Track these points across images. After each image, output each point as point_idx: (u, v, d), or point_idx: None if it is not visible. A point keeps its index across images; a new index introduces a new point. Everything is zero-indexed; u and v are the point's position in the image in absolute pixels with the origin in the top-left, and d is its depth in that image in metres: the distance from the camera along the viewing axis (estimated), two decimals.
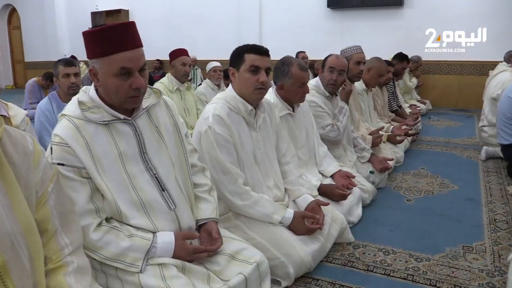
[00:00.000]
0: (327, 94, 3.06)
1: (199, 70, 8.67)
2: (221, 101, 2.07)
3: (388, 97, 4.91)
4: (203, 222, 1.73)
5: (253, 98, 2.07)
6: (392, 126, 4.28)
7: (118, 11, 11.13)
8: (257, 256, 1.69)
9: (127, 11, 11.22)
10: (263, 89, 2.04)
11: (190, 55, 4.11)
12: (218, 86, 4.83)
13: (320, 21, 8.89)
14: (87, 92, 1.56)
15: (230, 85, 2.15)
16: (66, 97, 3.06)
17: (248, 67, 2.00)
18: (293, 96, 2.52)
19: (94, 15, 11.72)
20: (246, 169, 2.08)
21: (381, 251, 2.30)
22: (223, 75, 4.96)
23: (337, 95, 3.16)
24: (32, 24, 13.23)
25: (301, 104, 2.65)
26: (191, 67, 4.48)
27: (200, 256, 1.60)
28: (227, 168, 1.97)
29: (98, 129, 1.50)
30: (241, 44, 2.09)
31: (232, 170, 1.98)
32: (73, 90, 3.03)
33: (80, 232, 1.37)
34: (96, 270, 1.51)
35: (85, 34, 1.49)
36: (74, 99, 1.56)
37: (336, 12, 8.76)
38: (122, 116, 1.52)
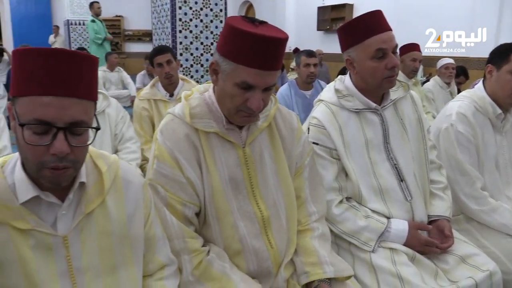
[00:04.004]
0: None
1: (420, 67, 8.25)
2: (467, 99, 1.99)
3: None
4: (434, 219, 1.72)
5: (508, 102, 1.92)
6: None
7: (343, 6, 11.45)
8: (491, 265, 1.60)
9: (351, 6, 11.45)
10: None
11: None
12: (448, 84, 4.54)
13: None
14: (343, 81, 1.73)
15: (480, 83, 2.04)
16: (303, 85, 3.40)
17: None
18: None
19: (320, 9, 12.37)
20: (486, 174, 1.95)
21: None
22: (455, 73, 4.64)
23: None
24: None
25: None
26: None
27: (431, 250, 1.61)
28: (465, 169, 1.89)
29: (350, 116, 1.65)
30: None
31: (470, 172, 1.89)
32: (311, 79, 3.35)
33: (324, 204, 1.56)
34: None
35: (340, 28, 1.66)
36: (331, 86, 1.75)
37: None
38: (373, 105, 1.64)
